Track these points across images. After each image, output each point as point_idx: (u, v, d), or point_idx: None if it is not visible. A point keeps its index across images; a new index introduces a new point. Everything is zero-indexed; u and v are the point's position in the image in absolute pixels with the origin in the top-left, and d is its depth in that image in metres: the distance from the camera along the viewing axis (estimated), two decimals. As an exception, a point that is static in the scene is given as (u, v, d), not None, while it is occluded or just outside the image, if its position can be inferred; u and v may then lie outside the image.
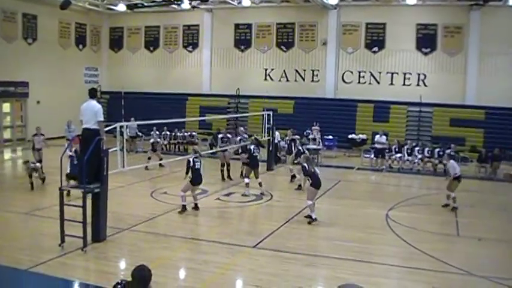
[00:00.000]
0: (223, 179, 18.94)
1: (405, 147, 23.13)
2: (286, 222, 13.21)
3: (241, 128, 23.19)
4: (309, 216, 13.15)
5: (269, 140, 21.64)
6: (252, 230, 12.98)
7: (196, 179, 13.87)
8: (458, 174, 15.05)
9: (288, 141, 20.22)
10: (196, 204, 14.16)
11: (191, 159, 13.91)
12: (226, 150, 19.23)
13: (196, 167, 13.83)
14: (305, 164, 13.47)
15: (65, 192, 11.36)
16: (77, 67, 32.87)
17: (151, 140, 22.39)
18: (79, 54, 33.20)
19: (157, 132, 24.21)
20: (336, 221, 13.59)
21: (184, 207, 13.77)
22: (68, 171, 14.08)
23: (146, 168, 19.92)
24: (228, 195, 16.48)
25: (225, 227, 12.87)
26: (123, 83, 32.42)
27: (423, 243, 11.42)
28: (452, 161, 15.60)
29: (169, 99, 31.56)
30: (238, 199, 15.96)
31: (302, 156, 15.04)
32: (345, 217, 14.11)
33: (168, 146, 26.52)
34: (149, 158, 20.91)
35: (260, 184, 16.49)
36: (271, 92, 30.17)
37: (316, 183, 13.26)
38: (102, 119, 10.99)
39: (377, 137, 23.15)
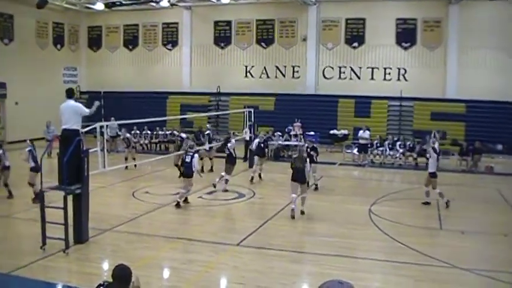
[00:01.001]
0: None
1: (386, 141, 23.29)
2: (270, 219, 13.20)
3: (208, 125, 24.14)
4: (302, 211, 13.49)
5: (250, 137, 21.59)
6: (236, 227, 12.97)
7: (184, 171, 14.53)
8: (433, 171, 14.72)
9: (262, 143, 19.63)
10: (178, 202, 14.22)
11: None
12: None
13: (186, 160, 14.41)
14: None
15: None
16: (55, 67, 32.38)
17: (121, 137, 22.18)
18: (57, 54, 32.73)
19: (139, 131, 24.18)
20: (319, 217, 13.61)
21: (178, 203, 14.14)
22: (33, 165, 14.40)
23: (126, 168, 19.79)
24: (210, 193, 16.38)
25: (208, 225, 12.80)
26: (103, 82, 32.14)
27: (407, 237, 11.49)
28: (434, 155, 14.91)
29: (149, 98, 31.27)
30: (221, 197, 15.89)
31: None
32: (328, 213, 14.11)
33: (149, 145, 26.38)
34: (126, 159, 20.68)
35: (221, 177, 16.60)
36: (252, 89, 30.11)
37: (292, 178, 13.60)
38: (87, 110, 11.03)
39: (360, 132, 23.21)
